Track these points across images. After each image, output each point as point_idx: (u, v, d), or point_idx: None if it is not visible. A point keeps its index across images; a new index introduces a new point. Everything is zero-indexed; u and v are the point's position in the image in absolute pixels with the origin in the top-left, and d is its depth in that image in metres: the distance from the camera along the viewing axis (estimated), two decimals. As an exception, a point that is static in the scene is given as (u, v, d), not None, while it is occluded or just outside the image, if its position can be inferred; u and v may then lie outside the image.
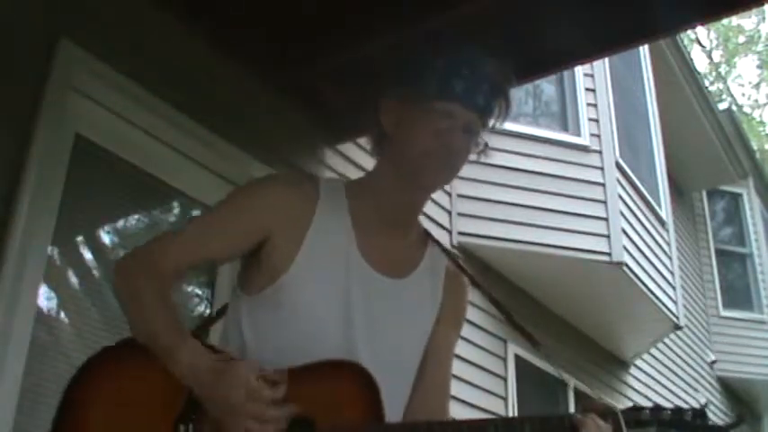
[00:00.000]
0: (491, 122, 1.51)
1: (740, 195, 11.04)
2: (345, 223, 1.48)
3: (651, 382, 7.53)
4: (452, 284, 1.59)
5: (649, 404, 1.41)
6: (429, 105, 1.45)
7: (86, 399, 1.33)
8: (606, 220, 5.59)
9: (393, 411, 1.36)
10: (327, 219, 1.46)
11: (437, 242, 1.61)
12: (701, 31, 20.49)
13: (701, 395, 8.49)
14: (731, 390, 9.92)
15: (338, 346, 1.38)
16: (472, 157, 1.51)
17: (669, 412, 1.37)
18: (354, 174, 3.10)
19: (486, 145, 1.52)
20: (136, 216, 3.14)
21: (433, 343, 1.54)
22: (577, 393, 5.95)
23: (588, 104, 5.99)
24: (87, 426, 1.32)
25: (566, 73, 5.89)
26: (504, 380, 5.26)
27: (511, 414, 4.93)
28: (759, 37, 22.31)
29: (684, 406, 1.41)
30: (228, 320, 1.51)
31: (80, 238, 2.86)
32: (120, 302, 1.43)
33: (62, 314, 2.71)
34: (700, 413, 1.38)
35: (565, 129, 5.93)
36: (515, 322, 1.60)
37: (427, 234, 1.61)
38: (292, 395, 1.28)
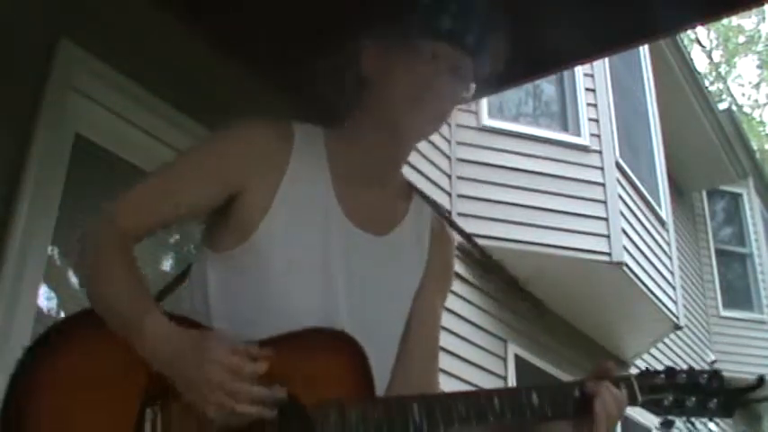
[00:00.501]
0: (484, 65, 1.34)
1: (740, 195, 11.05)
2: (323, 172, 1.32)
3: (651, 382, 7.52)
4: (438, 240, 1.43)
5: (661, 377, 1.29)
6: (413, 46, 1.29)
7: (35, 384, 1.14)
8: (606, 220, 5.60)
9: (377, 379, 1.21)
10: (303, 166, 1.30)
11: (422, 194, 1.45)
12: (701, 31, 20.52)
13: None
14: (731, 390, 9.91)
15: (317, 308, 1.24)
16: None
17: (684, 375, 1.28)
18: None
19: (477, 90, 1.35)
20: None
21: (418, 305, 1.39)
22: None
23: (588, 104, 5.99)
24: (38, 416, 1.13)
25: (566, 73, 5.89)
26: (504, 380, 5.25)
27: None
28: (759, 37, 22.32)
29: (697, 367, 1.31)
30: (192, 283, 1.32)
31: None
32: (82, 271, 1.29)
33: (62, 314, 2.70)
34: (715, 374, 1.28)
35: (565, 129, 5.93)
36: (496, 264, 1.50)
37: (411, 186, 1.45)
38: (270, 369, 1.11)
